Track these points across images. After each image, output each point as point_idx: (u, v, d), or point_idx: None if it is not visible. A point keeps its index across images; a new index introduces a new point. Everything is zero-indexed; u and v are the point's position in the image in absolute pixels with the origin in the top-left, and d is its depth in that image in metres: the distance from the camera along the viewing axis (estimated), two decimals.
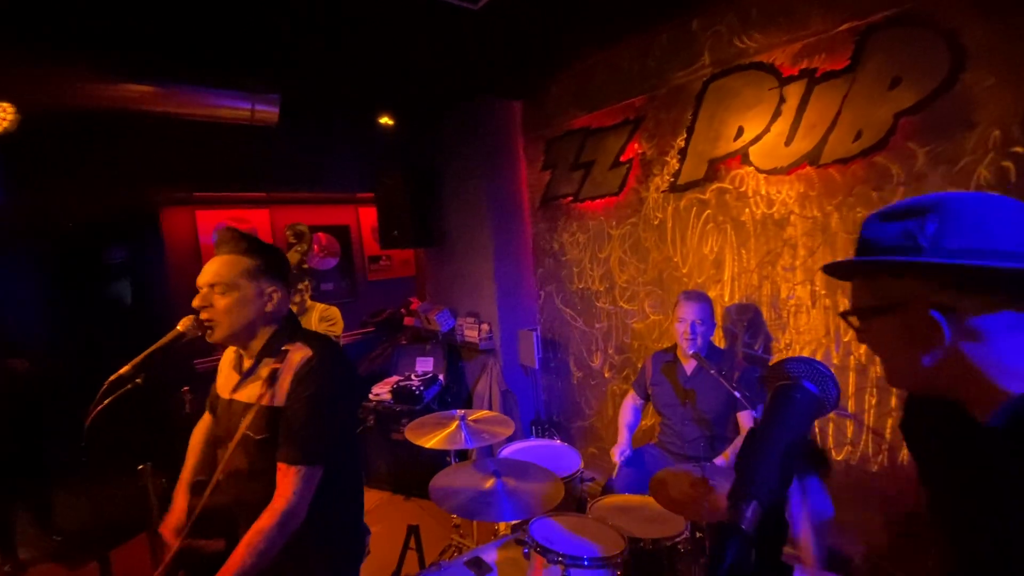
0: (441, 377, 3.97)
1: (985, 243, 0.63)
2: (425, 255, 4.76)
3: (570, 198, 3.52)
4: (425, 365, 4.13)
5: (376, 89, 3.43)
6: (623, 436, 2.55)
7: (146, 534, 1.67)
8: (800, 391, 0.63)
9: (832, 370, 0.69)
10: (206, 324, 1.31)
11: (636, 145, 3.07)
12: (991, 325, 0.64)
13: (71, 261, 3.31)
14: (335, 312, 2.93)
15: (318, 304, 2.92)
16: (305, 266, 2.79)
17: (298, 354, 1.31)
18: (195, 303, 1.31)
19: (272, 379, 1.28)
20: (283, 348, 1.32)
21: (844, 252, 2.27)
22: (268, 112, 2.84)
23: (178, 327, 1.34)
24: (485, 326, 3.92)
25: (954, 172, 1.91)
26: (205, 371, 3.52)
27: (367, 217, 5.02)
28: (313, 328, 2.65)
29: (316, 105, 3.48)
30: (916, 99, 1.97)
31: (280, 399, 1.28)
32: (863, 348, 2.26)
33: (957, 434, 0.71)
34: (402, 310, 4.70)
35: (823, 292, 2.36)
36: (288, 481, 1.22)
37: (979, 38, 1.81)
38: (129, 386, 1.24)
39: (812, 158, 2.30)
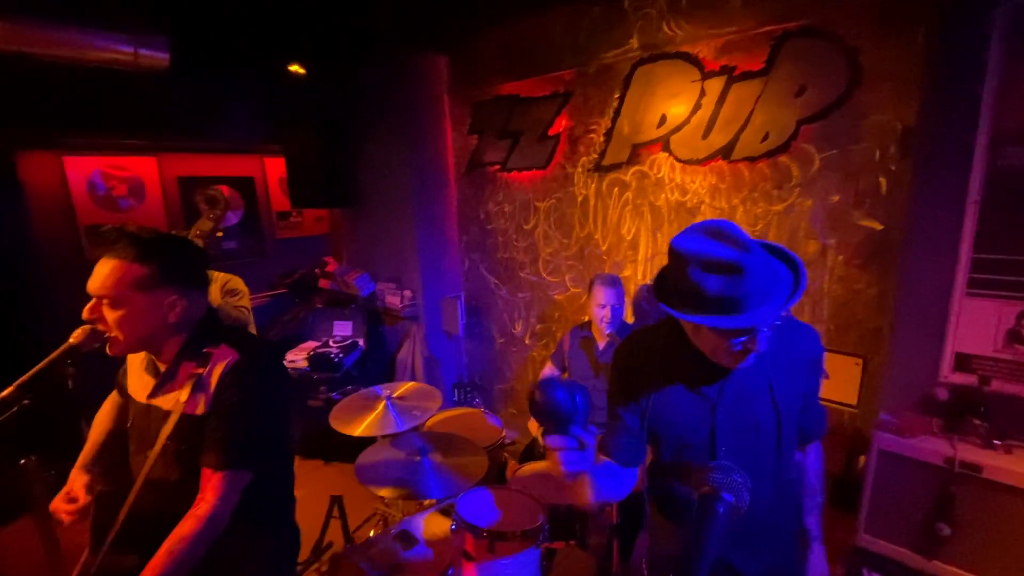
0: (361, 343, 3.89)
1: None
2: (341, 214, 4.50)
3: (497, 167, 3.48)
4: (344, 329, 4.01)
5: (284, 32, 3.06)
6: None
7: (33, 519, 1.54)
8: (722, 504, 0.75)
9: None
10: (104, 337, 1.19)
11: (565, 120, 3.07)
12: None
13: None
14: (239, 282, 2.58)
15: (218, 274, 2.54)
16: (220, 234, 2.48)
17: (223, 358, 1.23)
18: (85, 314, 1.18)
19: (195, 385, 1.20)
20: (204, 351, 1.23)
21: None
22: (155, 57, 2.43)
23: (71, 339, 1.20)
24: (408, 292, 3.87)
25: (841, 180, 2.15)
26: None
27: (275, 168, 4.59)
28: (216, 303, 2.42)
29: (214, 48, 3.03)
30: (816, 109, 2.15)
31: (204, 407, 1.21)
32: None
33: None
34: (316, 271, 4.45)
35: None
36: (212, 486, 1.18)
37: (875, 59, 1.99)
38: (15, 409, 1.11)
39: (725, 153, 2.45)
